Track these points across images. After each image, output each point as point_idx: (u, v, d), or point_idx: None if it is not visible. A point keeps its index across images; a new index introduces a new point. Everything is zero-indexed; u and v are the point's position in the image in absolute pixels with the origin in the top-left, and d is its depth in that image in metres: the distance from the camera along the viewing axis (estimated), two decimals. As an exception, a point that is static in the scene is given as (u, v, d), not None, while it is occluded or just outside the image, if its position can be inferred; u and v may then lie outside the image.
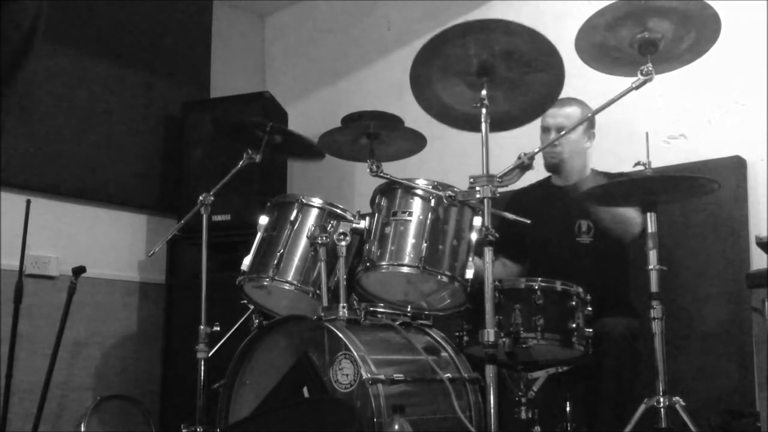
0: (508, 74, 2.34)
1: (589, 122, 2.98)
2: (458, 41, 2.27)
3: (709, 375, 2.96)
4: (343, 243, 2.57)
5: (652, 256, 2.40)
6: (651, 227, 2.42)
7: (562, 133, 2.69)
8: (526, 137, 2.79)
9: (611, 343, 2.52)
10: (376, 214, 2.61)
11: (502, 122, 2.46)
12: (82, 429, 3.74)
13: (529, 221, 2.67)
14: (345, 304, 2.51)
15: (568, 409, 2.59)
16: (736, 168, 3.08)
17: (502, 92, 2.38)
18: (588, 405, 2.66)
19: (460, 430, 2.41)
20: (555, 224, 2.97)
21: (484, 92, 2.30)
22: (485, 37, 2.26)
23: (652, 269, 2.39)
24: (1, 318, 3.30)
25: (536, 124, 3.05)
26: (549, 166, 3.04)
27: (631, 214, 2.70)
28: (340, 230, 2.60)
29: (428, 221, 2.48)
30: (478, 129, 2.29)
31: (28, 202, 3.31)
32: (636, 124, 3.12)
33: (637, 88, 2.24)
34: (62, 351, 3.32)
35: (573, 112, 2.93)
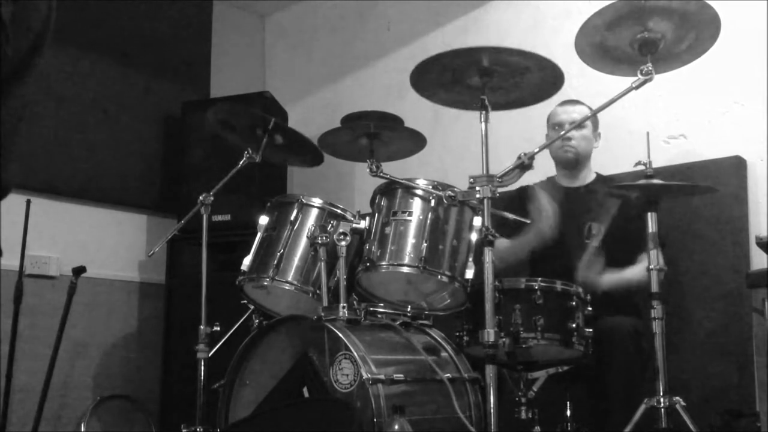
0: (507, 80, 2.35)
1: (595, 124, 3.00)
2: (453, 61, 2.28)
3: (709, 375, 2.96)
4: (343, 243, 2.57)
5: (653, 256, 2.40)
6: (651, 227, 2.42)
7: (574, 125, 2.72)
8: (527, 137, 2.80)
9: (617, 341, 2.52)
10: (376, 214, 2.61)
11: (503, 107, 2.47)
12: (82, 429, 3.74)
13: (529, 221, 2.68)
14: (345, 304, 2.50)
15: (568, 409, 2.60)
16: (736, 168, 3.08)
17: (503, 92, 2.39)
18: (590, 404, 2.66)
19: (460, 430, 2.41)
20: (564, 224, 2.97)
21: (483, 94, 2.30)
22: (478, 57, 2.27)
23: (652, 269, 2.39)
24: (1, 318, 3.30)
25: (536, 124, 3.07)
26: (564, 161, 3.04)
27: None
28: (340, 230, 2.59)
29: (428, 221, 2.47)
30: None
31: (28, 202, 3.32)
32: (636, 124, 3.13)
33: (637, 88, 2.24)
34: (62, 351, 3.31)
35: (584, 110, 2.97)
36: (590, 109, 2.99)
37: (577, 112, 2.95)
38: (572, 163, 3.03)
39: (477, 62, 2.28)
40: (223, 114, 2.96)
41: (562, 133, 2.79)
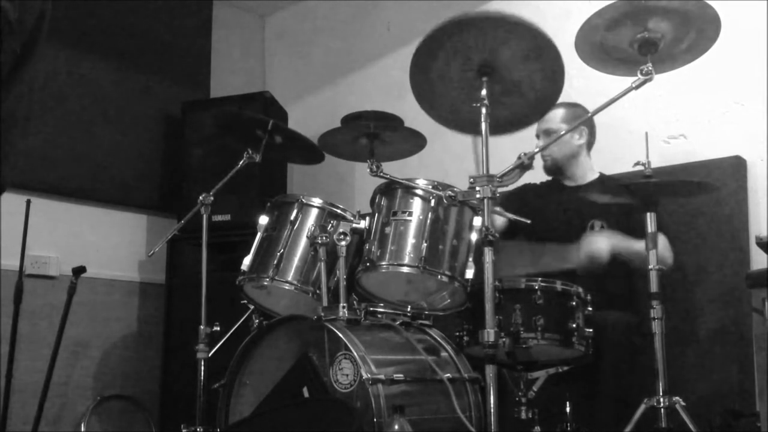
0: (508, 72, 2.34)
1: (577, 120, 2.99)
2: (455, 38, 2.27)
3: (709, 375, 2.96)
4: (343, 243, 2.57)
5: (652, 256, 2.40)
6: (651, 227, 2.42)
7: (560, 134, 2.71)
8: (526, 138, 2.79)
9: (607, 336, 2.52)
10: (376, 214, 2.61)
11: (503, 125, 2.45)
12: (82, 429, 3.74)
13: (529, 221, 2.68)
14: (345, 304, 2.51)
15: (568, 409, 2.59)
16: (736, 168, 3.08)
17: (503, 91, 2.38)
18: (588, 405, 2.65)
19: (460, 430, 2.41)
20: (566, 223, 2.98)
21: (483, 92, 2.30)
22: (481, 33, 2.26)
23: (651, 269, 2.39)
24: (1, 318, 3.30)
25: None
26: (546, 169, 3.10)
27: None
28: (340, 230, 2.60)
29: (428, 221, 2.47)
30: (477, 131, 2.29)
31: (28, 202, 3.32)
32: (636, 124, 3.12)
33: (637, 88, 2.23)
34: (62, 351, 3.31)
35: (555, 114, 2.97)
36: (566, 106, 2.98)
37: (546, 120, 2.94)
38: (552, 169, 3.08)
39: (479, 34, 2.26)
40: (223, 119, 2.96)
41: (535, 151, 2.81)
